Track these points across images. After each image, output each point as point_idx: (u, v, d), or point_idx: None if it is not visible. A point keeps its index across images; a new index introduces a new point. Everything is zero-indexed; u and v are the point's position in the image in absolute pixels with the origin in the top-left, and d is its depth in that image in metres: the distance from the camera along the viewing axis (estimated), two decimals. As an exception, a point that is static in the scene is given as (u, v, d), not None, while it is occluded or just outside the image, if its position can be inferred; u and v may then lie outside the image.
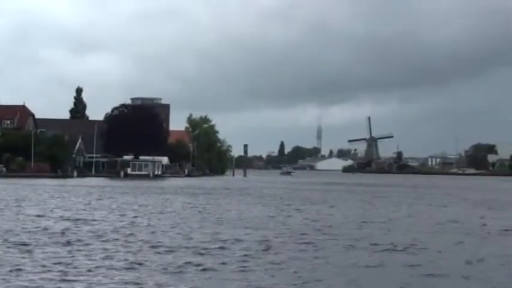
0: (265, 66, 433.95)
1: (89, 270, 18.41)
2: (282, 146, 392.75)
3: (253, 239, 26.33)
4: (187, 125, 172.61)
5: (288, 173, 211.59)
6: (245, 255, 21.74)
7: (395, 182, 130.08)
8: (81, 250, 22.25)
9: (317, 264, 20.42)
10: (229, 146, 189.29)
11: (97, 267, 18.97)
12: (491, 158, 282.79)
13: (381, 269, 19.92)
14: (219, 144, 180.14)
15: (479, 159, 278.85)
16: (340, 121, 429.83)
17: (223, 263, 19.98)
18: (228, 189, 78.65)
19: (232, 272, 18.75)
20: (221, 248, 23.45)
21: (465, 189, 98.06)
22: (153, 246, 23.45)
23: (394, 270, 19.68)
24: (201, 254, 21.79)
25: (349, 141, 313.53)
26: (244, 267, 19.49)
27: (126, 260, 20.30)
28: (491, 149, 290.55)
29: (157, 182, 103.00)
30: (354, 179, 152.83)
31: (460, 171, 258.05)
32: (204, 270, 18.89)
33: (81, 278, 17.45)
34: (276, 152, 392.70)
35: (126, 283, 16.93)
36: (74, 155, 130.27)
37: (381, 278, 18.82)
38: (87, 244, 23.84)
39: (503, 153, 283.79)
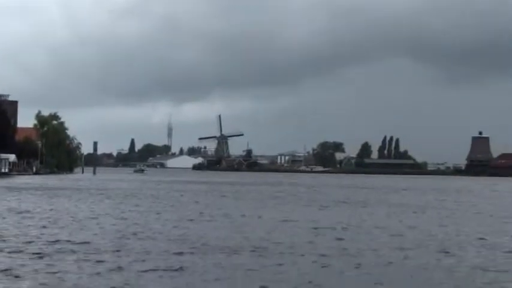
0: (117, 62, 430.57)
1: None
2: (132, 143, 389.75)
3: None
4: (36, 122, 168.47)
5: (141, 171, 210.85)
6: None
7: (238, 180, 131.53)
8: None
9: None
10: (79, 143, 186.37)
11: None
12: (338, 155, 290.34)
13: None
14: (68, 142, 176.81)
15: (326, 157, 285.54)
16: (191, 119, 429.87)
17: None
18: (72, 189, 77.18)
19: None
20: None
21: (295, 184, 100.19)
22: None
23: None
24: None
25: (200, 139, 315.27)
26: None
27: None
28: (339, 147, 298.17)
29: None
30: (203, 177, 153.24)
31: (308, 169, 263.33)
32: None
33: None
34: (126, 150, 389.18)
35: None
36: None
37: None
38: None
39: (350, 150, 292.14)
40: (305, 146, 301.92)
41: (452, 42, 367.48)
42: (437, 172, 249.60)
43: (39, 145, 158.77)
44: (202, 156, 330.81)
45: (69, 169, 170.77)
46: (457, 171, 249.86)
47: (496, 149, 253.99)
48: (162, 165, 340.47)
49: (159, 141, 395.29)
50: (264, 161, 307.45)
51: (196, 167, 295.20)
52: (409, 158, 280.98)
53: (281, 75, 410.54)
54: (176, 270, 18.60)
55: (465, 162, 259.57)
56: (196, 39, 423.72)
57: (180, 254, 21.60)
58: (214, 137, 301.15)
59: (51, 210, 40.58)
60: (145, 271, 18.25)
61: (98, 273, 17.84)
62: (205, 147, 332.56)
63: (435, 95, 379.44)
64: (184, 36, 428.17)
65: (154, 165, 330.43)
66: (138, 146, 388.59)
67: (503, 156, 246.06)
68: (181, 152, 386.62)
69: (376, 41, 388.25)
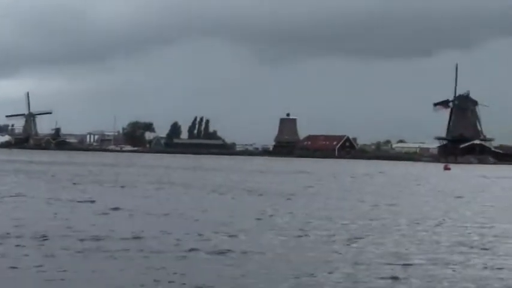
0: None
1: None
2: None
3: None
4: None
5: None
6: None
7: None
8: None
9: None
10: None
11: None
12: (148, 135, 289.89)
13: None
14: None
15: (136, 137, 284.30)
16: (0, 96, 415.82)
17: None
18: None
19: None
20: None
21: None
22: None
23: None
24: None
25: (7, 116, 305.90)
26: None
27: None
28: (149, 126, 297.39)
29: None
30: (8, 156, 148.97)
31: (118, 148, 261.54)
32: None
33: None
34: None
35: None
36: None
37: None
38: None
39: (160, 131, 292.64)
40: (114, 125, 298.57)
41: (266, 22, 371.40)
42: (245, 153, 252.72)
43: None
44: (10, 135, 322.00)
45: None
46: (265, 152, 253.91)
47: (303, 131, 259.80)
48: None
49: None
50: (73, 140, 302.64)
51: (2, 145, 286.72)
52: (218, 138, 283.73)
53: (92, 53, 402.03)
54: None
55: (273, 143, 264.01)
56: (5, 16, 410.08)
57: None
58: (22, 114, 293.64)
59: None
60: None
61: None
62: (12, 125, 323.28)
63: (246, 75, 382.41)
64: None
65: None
66: None
67: (309, 137, 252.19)
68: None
69: (187, 21, 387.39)
